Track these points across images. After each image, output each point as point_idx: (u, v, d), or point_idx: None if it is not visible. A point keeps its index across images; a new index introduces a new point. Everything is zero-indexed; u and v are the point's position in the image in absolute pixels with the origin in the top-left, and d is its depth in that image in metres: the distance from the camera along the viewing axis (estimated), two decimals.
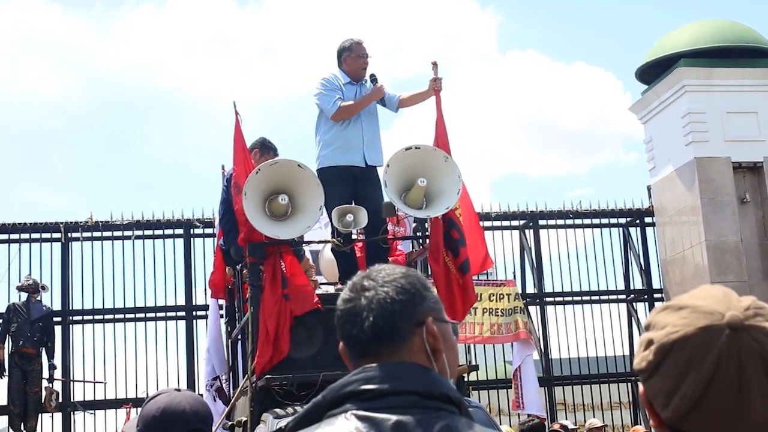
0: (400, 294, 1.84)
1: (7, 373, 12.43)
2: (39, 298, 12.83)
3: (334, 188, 7.57)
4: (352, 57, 8.12)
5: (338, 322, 1.89)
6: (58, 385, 12.93)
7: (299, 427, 1.79)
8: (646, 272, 15.59)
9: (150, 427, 2.77)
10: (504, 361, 16.12)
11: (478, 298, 12.69)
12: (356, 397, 1.76)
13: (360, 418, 1.73)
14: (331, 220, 7.74)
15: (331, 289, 8.02)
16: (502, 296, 13.17)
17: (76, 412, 13.53)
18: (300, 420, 1.81)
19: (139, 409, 2.94)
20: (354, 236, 7.95)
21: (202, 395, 3.02)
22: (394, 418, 1.71)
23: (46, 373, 12.58)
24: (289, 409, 6.60)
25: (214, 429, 5.12)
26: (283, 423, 6.17)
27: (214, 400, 9.13)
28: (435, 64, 8.00)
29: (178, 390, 2.93)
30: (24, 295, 12.78)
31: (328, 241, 8.09)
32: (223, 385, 9.29)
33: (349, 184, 7.84)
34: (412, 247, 9.45)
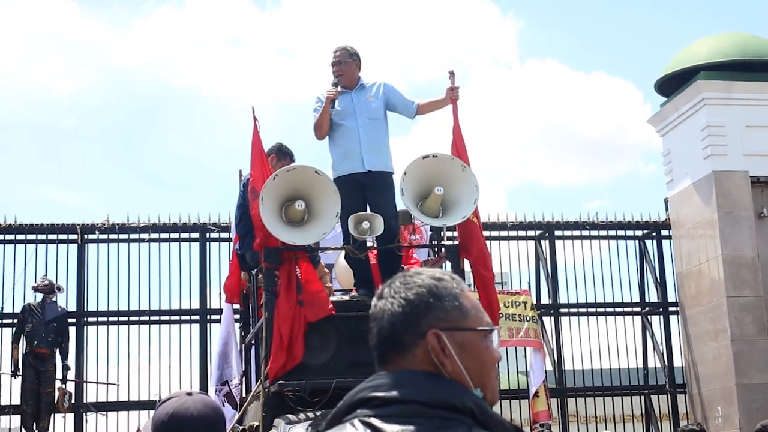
0: (402, 306, 1.88)
1: (21, 373, 12.47)
2: (54, 299, 12.86)
3: (343, 198, 7.54)
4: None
5: None
6: (71, 386, 12.95)
7: (324, 430, 1.85)
8: (661, 285, 15.52)
9: (159, 431, 2.77)
10: (517, 371, 16.07)
11: None
12: (365, 404, 1.80)
13: (365, 425, 1.76)
14: (344, 229, 7.74)
15: (345, 297, 8.02)
16: (518, 303, 13.15)
17: (88, 414, 13.55)
18: (326, 425, 1.86)
19: (152, 411, 2.94)
20: (369, 243, 7.94)
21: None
22: (396, 427, 1.74)
23: (59, 374, 12.61)
24: (302, 415, 6.60)
25: None
26: (296, 429, 6.17)
27: (223, 405, 9.13)
28: (452, 74, 7.98)
29: (189, 394, 2.91)
30: (39, 296, 12.81)
31: (343, 248, 8.09)
32: (232, 390, 9.28)
33: (356, 192, 7.78)
34: (428, 256, 9.43)
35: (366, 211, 7.71)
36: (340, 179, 7.75)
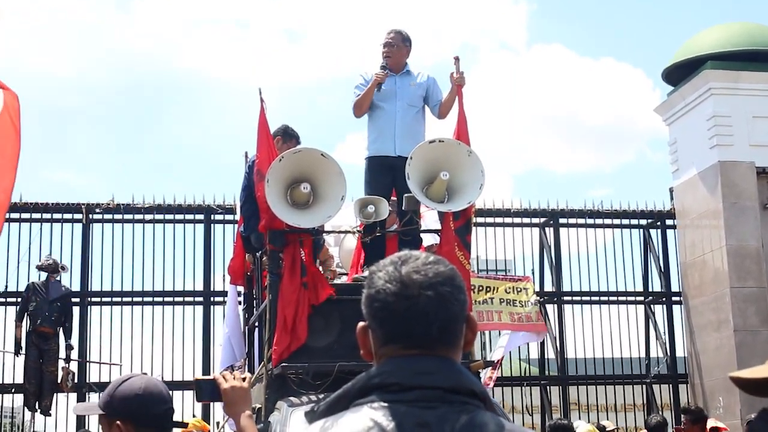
0: (460, 293, 1.85)
1: (24, 352, 12.49)
2: (58, 278, 12.87)
3: (372, 179, 7.68)
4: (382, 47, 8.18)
5: (392, 317, 1.83)
6: (74, 366, 12.97)
7: (329, 412, 1.82)
8: (665, 275, 15.50)
9: (132, 405, 2.99)
10: (519, 358, 16.08)
11: (494, 291, 12.72)
12: (383, 389, 1.78)
13: (385, 409, 1.75)
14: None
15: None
16: (519, 290, 13.13)
17: (91, 393, 13.58)
18: (330, 405, 1.83)
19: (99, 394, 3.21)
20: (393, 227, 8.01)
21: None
22: (418, 411, 1.74)
23: (62, 353, 12.63)
24: (304, 398, 6.60)
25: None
26: (299, 411, 6.17)
27: None
28: (457, 59, 8.04)
29: (145, 374, 3.24)
30: (43, 275, 12.82)
31: (347, 232, 8.10)
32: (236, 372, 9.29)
33: (386, 174, 7.88)
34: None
35: (391, 193, 7.86)
36: (372, 159, 7.93)
